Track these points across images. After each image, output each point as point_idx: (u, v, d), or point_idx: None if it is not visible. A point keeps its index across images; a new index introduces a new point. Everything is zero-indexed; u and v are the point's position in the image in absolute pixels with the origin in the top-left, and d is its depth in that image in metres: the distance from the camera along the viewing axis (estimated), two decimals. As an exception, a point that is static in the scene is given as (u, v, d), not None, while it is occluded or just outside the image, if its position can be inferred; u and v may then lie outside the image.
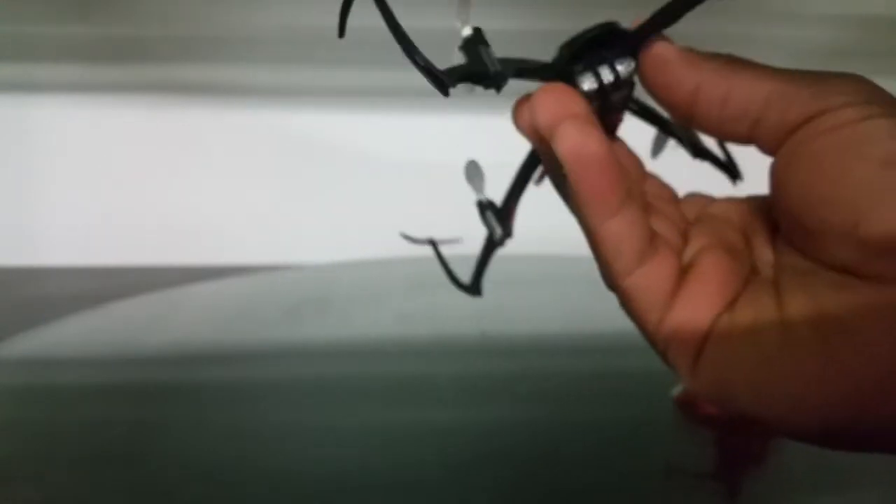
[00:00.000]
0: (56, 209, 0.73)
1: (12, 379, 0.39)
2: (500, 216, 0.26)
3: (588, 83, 0.22)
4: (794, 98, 0.20)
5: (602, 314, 0.34)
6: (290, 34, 0.66)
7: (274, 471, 0.28)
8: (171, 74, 0.71)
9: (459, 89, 0.23)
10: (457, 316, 0.38)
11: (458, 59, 0.24)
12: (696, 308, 0.21)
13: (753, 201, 0.24)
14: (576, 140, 0.20)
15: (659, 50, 0.22)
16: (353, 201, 0.72)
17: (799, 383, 0.18)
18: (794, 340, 0.19)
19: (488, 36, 0.23)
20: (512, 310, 0.47)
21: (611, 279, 0.22)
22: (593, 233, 0.21)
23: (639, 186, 0.23)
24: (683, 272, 0.21)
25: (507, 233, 0.26)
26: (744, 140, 0.21)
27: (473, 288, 0.28)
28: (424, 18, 0.60)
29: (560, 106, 0.21)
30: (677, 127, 0.27)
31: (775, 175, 0.21)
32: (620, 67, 0.22)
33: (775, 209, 0.21)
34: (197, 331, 0.47)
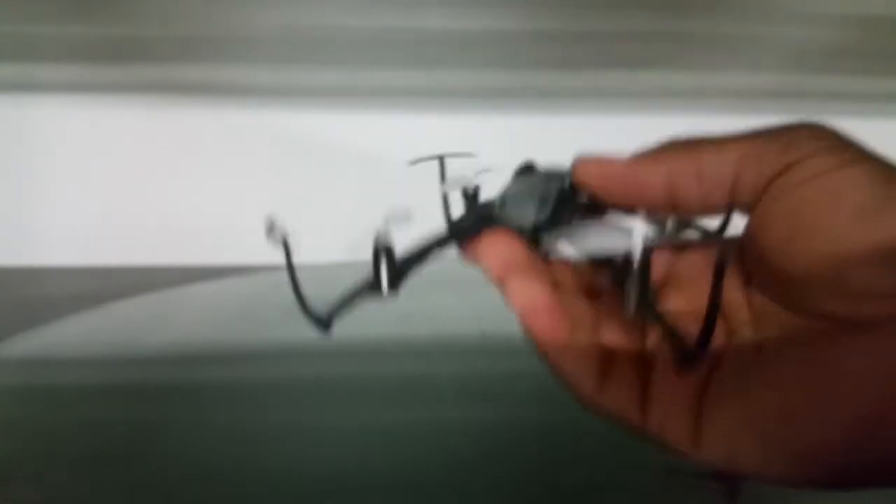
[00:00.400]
0: (56, 209, 0.73)
1: (12, 379, 0.39)
2: (393, 273, 0.25)
3: (527, 222, 0.23)
4: (764, 153, 0.20)
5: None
6: (290, 34, 0.66)
7: (274, 471, 0.28)
8: (171, 74, 0.71)
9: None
10: (457, 316, 0.38)
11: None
12: (671, 403, 0.21)
13: (723, 246, 0.23)
14: (522, 295, 0.22)
15: (608, 176, 0.22)
16: (353, 201, 0.72)
17: (795, 436, 0.19)
18: (784, 397, 0.19)
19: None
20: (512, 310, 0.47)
21: (579, 401, 0.23)
22: (549, 365, 0.23)
23: (584, 308, 0.24)
24: (648, 366, 0.22)
25: (393, 289, 0.25)
26: (724, 208, 0.22)
27: (325, 323, 0.26)
28: (425, 18, 0.60)
29: (502, 259, 0.23)
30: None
31: (752, 230, 0.21)
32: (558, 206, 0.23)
33: (750, 262, 0.22)
34: (197, 331, 0.47)
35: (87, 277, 0.67)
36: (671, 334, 0.21)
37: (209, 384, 0.38)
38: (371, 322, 0.35)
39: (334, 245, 0.73)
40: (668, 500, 0.28)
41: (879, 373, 0.18)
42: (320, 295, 0.55)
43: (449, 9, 0.64)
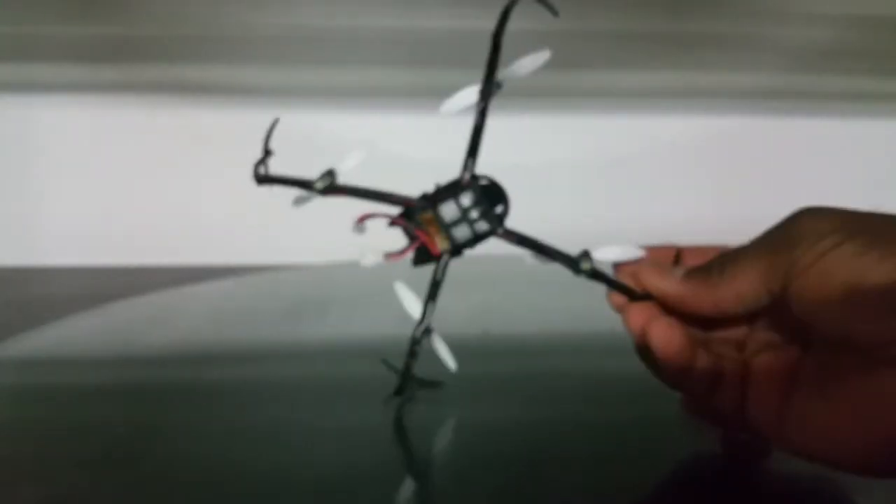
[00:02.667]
0: (56, 209, 0.73)
1: (12, 379, 0.39)
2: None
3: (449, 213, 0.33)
4: (771, 274, 0.25)
5: (603, 314, 0.34)
6: (290, 34, 0.66)
7: (274, 471, 0.28)
8: (171, 74, 0.71)
9: None
10: (458, 316, 0.38)
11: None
12: (763, 398, 0.27)
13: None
14: (641, 314, 0.29)
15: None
16: (353, 201, 0.72)
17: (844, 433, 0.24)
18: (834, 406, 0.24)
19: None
20: (513, 309, 0.47)
21: (687, 403, 0.30)
22: (666, 374, 0.28)
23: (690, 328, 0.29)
24: (746, 370, 0.28)
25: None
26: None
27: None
28: (425, 18, 0.60)
29: (644, 317, 0.29)
30: (553, 251, 0.31)
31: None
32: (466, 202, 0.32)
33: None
34: (197, 331, 0.47)
35: (87, 277, 0.67)
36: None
37: (209, 384, 0.38)
38: (371, 322, 0.35)
39: (334, 245, 0.73)
40: (671, 499, 0.28)
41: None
42: (320, 295, 0.55)
43: (449, 9, 0.64)
